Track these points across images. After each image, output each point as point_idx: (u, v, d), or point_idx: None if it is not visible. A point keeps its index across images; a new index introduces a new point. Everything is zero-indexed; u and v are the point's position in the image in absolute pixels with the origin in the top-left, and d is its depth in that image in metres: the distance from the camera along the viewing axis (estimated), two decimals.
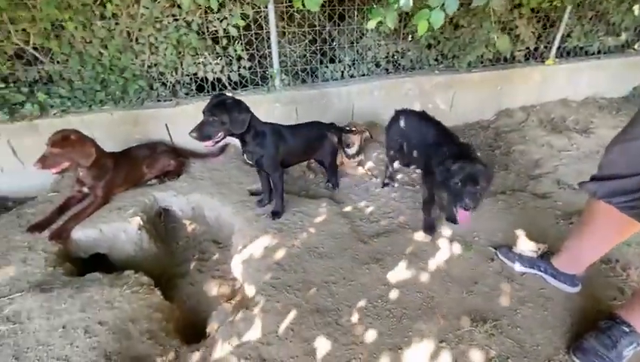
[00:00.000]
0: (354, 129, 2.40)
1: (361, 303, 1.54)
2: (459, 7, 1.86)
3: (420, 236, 1.91)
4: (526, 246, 1.71)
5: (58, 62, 2.31)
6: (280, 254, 1.81)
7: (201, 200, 2.26)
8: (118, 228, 1.98)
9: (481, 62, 3.22)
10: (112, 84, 2.41)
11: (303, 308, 1.52)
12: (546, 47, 3.36)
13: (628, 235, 1.33)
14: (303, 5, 1.95)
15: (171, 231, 2.33)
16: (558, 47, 3.37)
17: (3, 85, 2.27)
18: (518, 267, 1.67)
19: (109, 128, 2.44)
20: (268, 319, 1.48)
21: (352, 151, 2.43)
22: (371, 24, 2.08)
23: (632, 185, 1.17)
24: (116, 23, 2.26)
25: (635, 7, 3.32)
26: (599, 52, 3.56)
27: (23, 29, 2.17)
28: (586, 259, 1.49)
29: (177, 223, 2.36)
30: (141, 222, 2.03)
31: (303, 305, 1.53)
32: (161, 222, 2.29)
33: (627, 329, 1.26)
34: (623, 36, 3.55)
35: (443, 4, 1.81)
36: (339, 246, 1.84)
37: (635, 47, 3.67)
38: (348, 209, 2.18)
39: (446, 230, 1.93)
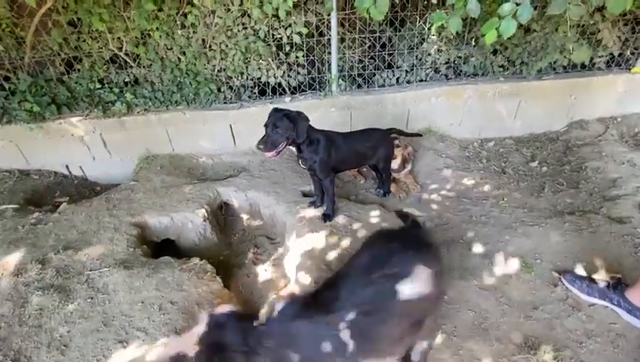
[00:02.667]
0: (398, 143, 2.39)
1: None
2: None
3: (476, 249, 1.85)
4: (596, 274, 1.58)
5: (144, 66, 2.62)
6: (330, 256, 1.88)
7: (257, 197, 2.42)
8: (187, 217, 2.20)
9: (554, 69, 2.98)
10: (186, 87, 2.67)
11: None
12: (632, 53, 3.00)
13: None
14: (368, 14, 1.98)
15: (230, 224, 2.52)
16: None
17: (99, 86, 2.62)
18: (585, 297, 1.54)
19: (181, 126, 2.70)
20: None
21: (394, 165, 2.42)
22: (434, 28, 2.05)
23: None
24: (194, 32, 2.49)
25: None
26: None
27: (118, 38, 2.50)
28: None
29: (235, 216, 2.55)
30: (206, 214, 2.23)
31: None
32: (221, 215, 2.49)
33: None
34: None
35: (515, 13, 1.73)
36: None
37: None
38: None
39: (507, 247, 1.85)
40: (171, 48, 2.55)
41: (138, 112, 2.67)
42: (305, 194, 2.38)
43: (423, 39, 2.87)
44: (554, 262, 1.76)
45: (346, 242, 1.96)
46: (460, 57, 2.93)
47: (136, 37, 2.48)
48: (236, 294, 1.97)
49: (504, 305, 1.55)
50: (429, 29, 2.77)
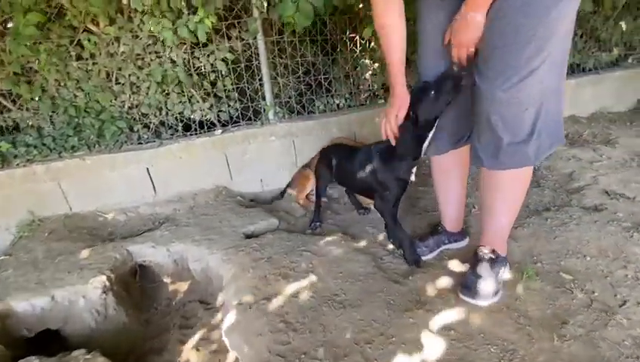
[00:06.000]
0: None
1: None
2: None
3: (464, 267, 1.49)
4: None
5: (27, 108, 2.09)
6: (287, 308, 1.36)
7: (184, 249, 1.84)
8: (77, 292, 1.54)
9: None
10: (86, 128, 2.16)
11: None
12: None
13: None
14: (294, 20, 1.80)
15: (149, 293, 1.86)
16: None
17: None
18: (428, 256, 1.62)
19: (80, 176, 2.12)
20: None
21: None
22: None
23: None
24: (94, 63, 2.09)
25: (622, 23, 3.35)
26: (595, 68, 3.50)
27: None
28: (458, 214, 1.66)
29: (157, 282, 1.91)
30: (107, 283, 1.58)
31: None
32: (136, 283, 1.84)
33: None
34: (615, 51, 3.55)
35: None
36: (365, 291, 1.40)
37: (629, 60, 3.64)
38: (364, 243, 1.77)
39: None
40: (64, 84, 2.09)
41: (17, 165, 2.05)
42: (248, 236, 1.88)
43: (357, 65, 2.82)
44: (556, 261, 1.46)
45: (305, 285, 1.46)
46: None
47: (14, 72, 1.99)
48: None
49: (526, 327, 1.16)
50: (361, 52, 2.74)
